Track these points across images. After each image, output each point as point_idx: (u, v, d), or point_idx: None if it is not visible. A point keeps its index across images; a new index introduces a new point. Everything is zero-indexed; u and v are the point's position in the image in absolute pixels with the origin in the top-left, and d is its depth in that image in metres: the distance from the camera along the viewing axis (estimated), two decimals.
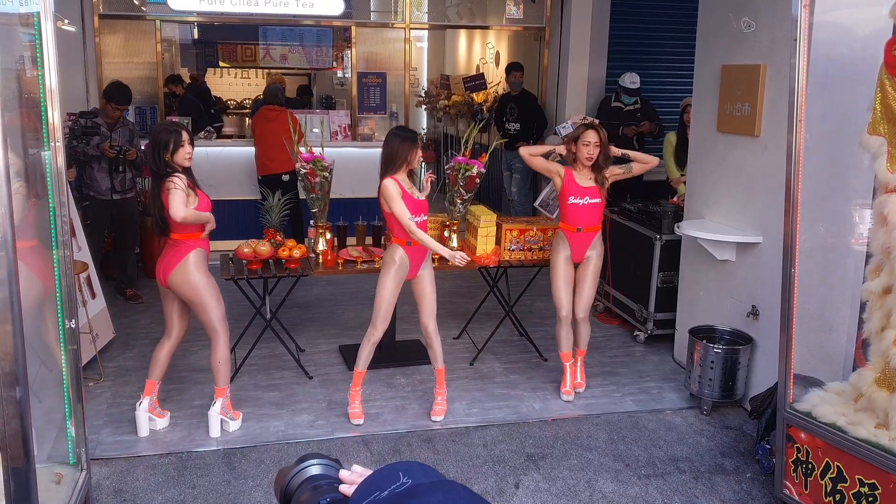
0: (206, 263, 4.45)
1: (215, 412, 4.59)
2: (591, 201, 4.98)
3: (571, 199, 4.98)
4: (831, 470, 3.68)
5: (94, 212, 6.44)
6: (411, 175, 4.70)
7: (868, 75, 3.81)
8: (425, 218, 4.66)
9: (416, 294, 4.81)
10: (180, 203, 4.20)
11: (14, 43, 3.00)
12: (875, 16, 4.08)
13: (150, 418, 4.62)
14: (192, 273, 4.36)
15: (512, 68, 8.69)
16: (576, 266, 5.15)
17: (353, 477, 1.22)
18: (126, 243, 6.87)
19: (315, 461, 1.29)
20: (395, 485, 1.06)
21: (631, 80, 7.91)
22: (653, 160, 5.18)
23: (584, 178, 5.00)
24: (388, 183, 4.51)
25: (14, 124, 2.71)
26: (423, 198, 4.69)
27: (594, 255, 5.12)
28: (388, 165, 4.57)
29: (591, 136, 4.91)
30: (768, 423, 4.33)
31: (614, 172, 5.06)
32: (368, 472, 1.16)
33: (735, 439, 4.77)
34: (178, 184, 4.23)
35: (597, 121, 7.82)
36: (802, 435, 3.81)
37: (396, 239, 4.61)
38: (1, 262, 2.20)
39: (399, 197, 4.48)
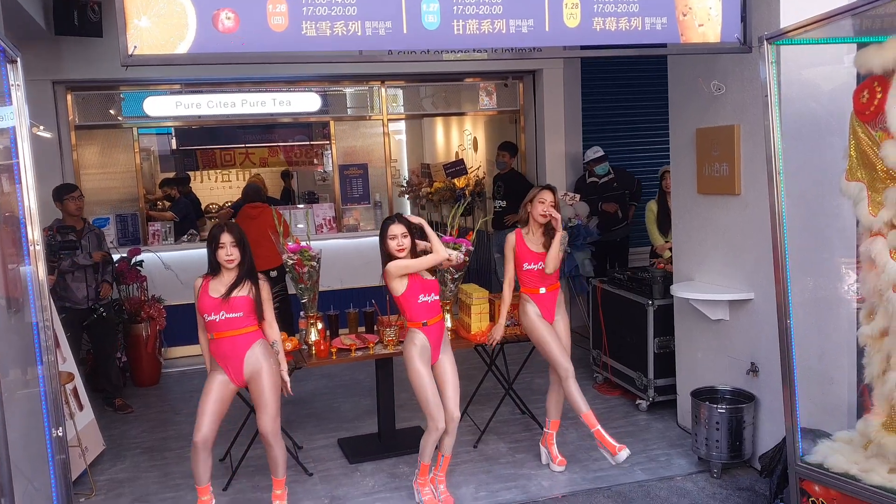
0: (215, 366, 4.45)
1: None
2: (544, 265, 4.96)
3: (526, 266, 4.98)
4: None
5: (71, 322, 6.19)
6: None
7: (838, 127, 3.89)
8: (435, 298, 4.53)
9: (438, 380, 4.57)
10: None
11: None
12: (838, 71, 4.21)
13: None
14: None
15: (499, 147, 8.86)
16: None
17: None
18: (107, 352, 6.68)
19: None
20: None
21: (594, 152, 8.12)
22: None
23: (536, 243, 4.99)
24: (389, 264, 4.44)
25: None
26: (433, 278, 4.59)
27: (561, 320, 5.09)
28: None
29: (547, 196, 4.93)
30: (780, 479, 4.24)
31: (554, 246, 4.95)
32: None
33: (749, 500, 4.65)
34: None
35: (578, 196, 7.94)
36: (817, 487, 3.72)
37: (412, 323, 4.52)
38: None
39: (393, 276, 4.42)
